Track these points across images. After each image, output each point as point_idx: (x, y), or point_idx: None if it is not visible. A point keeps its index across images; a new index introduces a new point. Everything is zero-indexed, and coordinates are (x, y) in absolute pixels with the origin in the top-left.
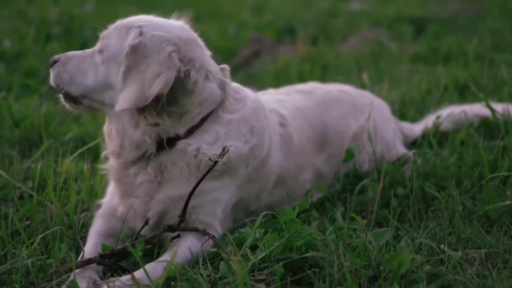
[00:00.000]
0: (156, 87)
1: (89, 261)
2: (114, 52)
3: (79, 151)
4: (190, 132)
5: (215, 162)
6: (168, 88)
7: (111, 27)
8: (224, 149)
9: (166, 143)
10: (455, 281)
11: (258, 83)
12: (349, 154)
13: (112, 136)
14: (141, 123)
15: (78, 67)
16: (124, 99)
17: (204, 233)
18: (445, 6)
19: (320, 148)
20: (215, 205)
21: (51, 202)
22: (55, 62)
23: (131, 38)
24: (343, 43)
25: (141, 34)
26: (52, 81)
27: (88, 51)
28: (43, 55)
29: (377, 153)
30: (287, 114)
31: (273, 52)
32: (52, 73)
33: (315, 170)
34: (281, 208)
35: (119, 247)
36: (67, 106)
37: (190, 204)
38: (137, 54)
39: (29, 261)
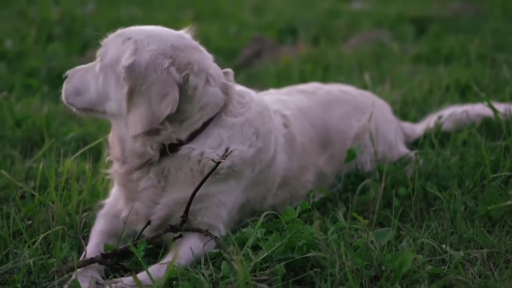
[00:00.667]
0: (167, 108)
1: (91, 261)
2: (110, 60)
3: (81, 151)
4: (192, 136)
5: (218, 163)
6: (177, 105)
7: (112, 35)
8: (227, 150)
9: (168, 149)
10: (457, 281)
11: (259, 83)
12: (351, 154)
13: (115, 144)
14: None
15: (83, 79)
16: (135, 123)
17: (206, 233)
18: (447, 6)
19: (322, 148)
20: (221, 208)
21: (53, 202)
22: (65, 78)
23: (126, 57)
24: (344, 43)
25: (135, 51)
26: (63, 98)
27: (92, 62)
28: (44, 55)
29: (379, 153)
30: (289, 114)
31: (274, 52)
32: (62, 90)
33: (317, 170)
34: (284, 209)
35: (121, 247)
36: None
37: (196, 207)
38: (135, 74)
39: (31, 261)
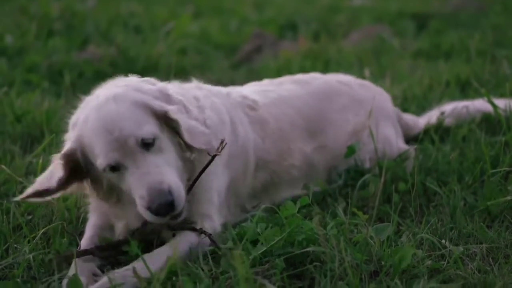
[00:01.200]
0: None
1: (85, 252)
2: (151, 131)
3: None
4: None
5: (214, 156)
6: None
7: (123, 114)
8: (222, 141)
9: None
10: (456, 276)
11: (259, 79)
12: (350, 150)
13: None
14: None
15: (160, 175)
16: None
17: (200, 231)
18: (447, 1)
19: (311, 136)
20: (211, 193)
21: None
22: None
23: (171, 108)
24: (345, 39)
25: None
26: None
27: (127, 168)
28: (44, 51)
29: (379, 151)
30: (261, 100)
31: (275, 48)
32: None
33: (305, 157)
34: (267, 193)
35: (116, 240)
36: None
37: (188, 196)
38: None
39: (31, 256)
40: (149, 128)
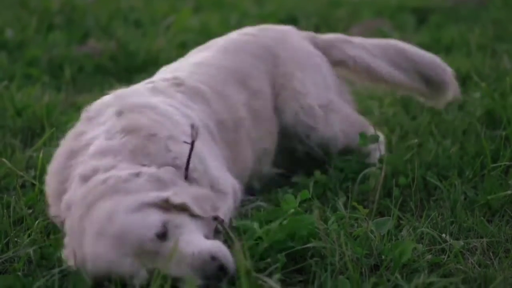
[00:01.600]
0: None
1: None
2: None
3: None
4: None
5: (193, 142)
6: None
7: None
8: (192, 126)
9: None
10: (456, 270)
11: None
12: (363, 138)
13: None
14: None
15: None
16: None
17: (214, 218)
18: None
19: (242, 85)
20: (207, 161)
21: None
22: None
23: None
24: (345, 33)
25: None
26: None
27: None
28: (45, 45)
29: (305, 124)
30: (180, 75)
31: None
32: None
33: (246, 106)
34: (236, 154)
35: None
36: None
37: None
38: None
39: (31, 250)
40: (154, 221)
